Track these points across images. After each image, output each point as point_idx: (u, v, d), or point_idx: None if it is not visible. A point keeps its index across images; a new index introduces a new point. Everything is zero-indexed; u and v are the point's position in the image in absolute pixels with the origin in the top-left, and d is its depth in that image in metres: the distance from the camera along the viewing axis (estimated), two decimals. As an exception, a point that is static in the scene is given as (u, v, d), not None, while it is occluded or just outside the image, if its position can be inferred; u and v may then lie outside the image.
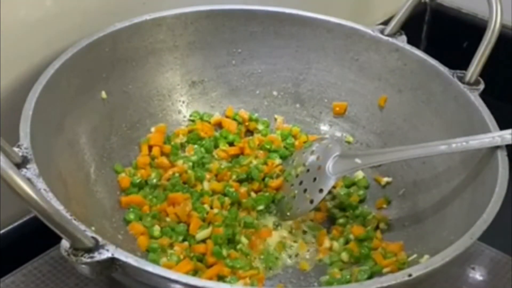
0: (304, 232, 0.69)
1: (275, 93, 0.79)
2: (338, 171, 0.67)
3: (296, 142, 0.77)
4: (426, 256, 0.59)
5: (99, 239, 0.48)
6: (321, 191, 0.66)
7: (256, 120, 0.78)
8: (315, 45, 0.77)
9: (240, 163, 0.73)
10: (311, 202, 0.67)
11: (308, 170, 0.69)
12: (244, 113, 0.78)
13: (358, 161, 0.67)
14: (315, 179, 0.67)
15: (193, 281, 0.48)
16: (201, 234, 0.65)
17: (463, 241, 0.54)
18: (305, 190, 0.68)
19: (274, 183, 0.72)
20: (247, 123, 0.78)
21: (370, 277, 0.63)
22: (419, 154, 0.66)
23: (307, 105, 0.79)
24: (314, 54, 0.77)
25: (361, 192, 0.72)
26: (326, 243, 0.67)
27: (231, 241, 0.65)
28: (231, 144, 0.76)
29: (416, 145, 0.67)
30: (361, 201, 0.72)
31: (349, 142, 0.78)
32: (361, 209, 0.71)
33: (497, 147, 0.62)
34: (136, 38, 0.72)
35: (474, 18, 1.03)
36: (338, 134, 0.78)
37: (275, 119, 0.79)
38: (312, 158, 0.70)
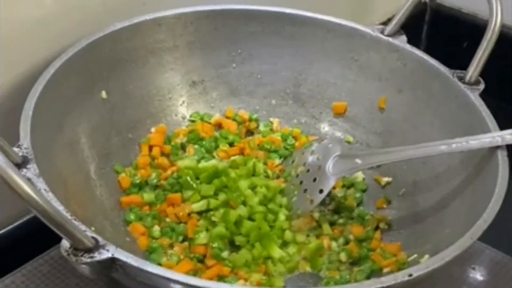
0: (304, 232, 0.68)
1: (275, 93, 0.79)
2: (338, 171, 0.67)
3: (297, 144, 0.77)
4: (426, 256, 0.59)
5: (99, 239, 0.48)
6: (321, 191, 0.66)
7: (256, 121, 0.78)
8: (315, 45, 0.77)
9: (240, 163, 0.73)
10: (312, 202, 0.67)
11: (308, 170, 0.69)
12: (244, 114, 0.78)
13: (358, 161, 0.67)
14: (315, 179, 0.67)
15: (193, 281, 0.48)
16: (200, 238, 0.65)
17: (463, 241, 0.54)
18: (305, 190, 0.68)
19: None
20: (247, 124, 0.78)
21: (368, 277, 0.63)
22: (419, 154, 0.66)
23: (307, 106, 0.79)
24: (314, 54, 0.77)
25: (358, 195, 0.72)
26: (326, 243, 0.67)
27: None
28: (231, 144, 0.76)
29: (416, 145, 0.67)
30: (358, 204, 0.72)
31: (349, 143, 0.78)
32: (358, 211, 0.71)
33: (497, 147, 0.62)
34: (136, 38, 0.72)
35: (474, 18, 1.03)
36: (338, 134, 0.78)
37: (271, 122, 0.79)
38: (312, 158, 0.69)
